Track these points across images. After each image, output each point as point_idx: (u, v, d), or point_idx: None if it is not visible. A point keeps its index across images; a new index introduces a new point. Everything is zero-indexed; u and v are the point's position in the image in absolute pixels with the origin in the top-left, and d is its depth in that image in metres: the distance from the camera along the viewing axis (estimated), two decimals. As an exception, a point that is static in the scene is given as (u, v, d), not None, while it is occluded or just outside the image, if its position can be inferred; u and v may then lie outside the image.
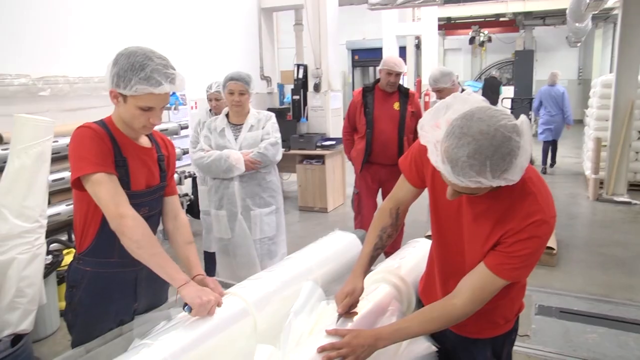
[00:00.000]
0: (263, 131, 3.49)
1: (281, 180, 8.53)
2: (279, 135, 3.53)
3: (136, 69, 1.78)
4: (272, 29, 8.37)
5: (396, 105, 4.54)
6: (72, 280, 2.04)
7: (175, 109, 5.76)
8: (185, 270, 2.05)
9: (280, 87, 8.79)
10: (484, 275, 1.56)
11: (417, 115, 4.54)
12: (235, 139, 3.46)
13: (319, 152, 7.15)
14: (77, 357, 1.79)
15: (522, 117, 1.40)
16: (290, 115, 7.99)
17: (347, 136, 4.81)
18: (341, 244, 2.27)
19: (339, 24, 7.82)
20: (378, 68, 4.64)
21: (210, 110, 4.36)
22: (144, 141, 2.06)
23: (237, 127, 3.49)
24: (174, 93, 5.88)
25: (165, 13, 5.89)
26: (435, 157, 1.42)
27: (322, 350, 1.56)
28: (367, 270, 1.86)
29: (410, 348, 1.83)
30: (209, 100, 4.31)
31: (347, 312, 1.75)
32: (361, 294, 1.79)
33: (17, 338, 2.95)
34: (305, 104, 7.79)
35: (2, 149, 3.61)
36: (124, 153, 1.92)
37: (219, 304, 1.71)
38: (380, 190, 4.80)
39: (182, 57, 5.86)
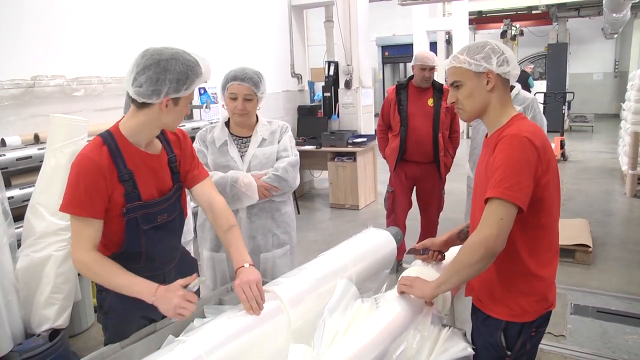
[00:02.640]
0: (279, 146, 2.75)
1: (312, 177, 8.60)
2: (297, 152, 2.82)
3: (192, 67, 1.79)
4: (303, 26, 8.37)
5: (430, 102, 4.45)
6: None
7: (207, 107, 5.79)
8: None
9: (311, 84, 8.79)
10: (487, 206, 1.66)
11: (452, 111, 4.45)
12: (242, 156, 2.69)
13: (350, 149, 7.12)
14: (112, 353, 1.80)
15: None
16: (322, 113, 7.99)
17: (382, 134, 4.74)
18: (375, 241, 2.24)
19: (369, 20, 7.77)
20: (411, 65, 4.54)
21: None
22: (154, 147, 1.99)
23: (242, 140, 2.73)
24: (205, 91, 5.94)
25: (196, 12, 5.93)
26: None
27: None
28: (453, 237, 2.10)
29: (446, 346, 1.80)
30: None
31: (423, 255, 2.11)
32: (439, 247, 2.09)
33: (54, 333, 3.02)
34: (336, 101, 7.77)
35: (39, 149, 3.68)
36: (130, 165, 1.86)
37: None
38: (415, 188, 4.74)
39: (213, 55, 5.89)
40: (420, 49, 8.44)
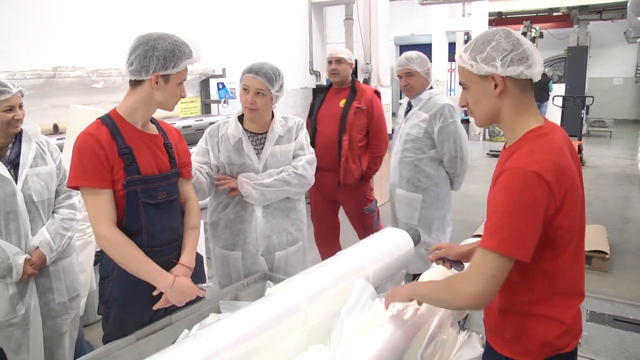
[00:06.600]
0: (295, 144, 2.67)
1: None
2: (313, 150, 2.76)
3: (179, 46, 1.90)
4: (322, 23, 8.34)
5: (342, 103, 4.06)
6: (104, 272, 2.06)
7: (225, 102, 5.78)
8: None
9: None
10: (481, 255, 1.43)
11: (368, 112, 4.07)
12: (257, 153, 2.59)
13: (365, 147, 7.04)
14: (127, 345, 1.81)
15: None
16: (338, 111, 7.94)
17: None
18: (393, 242, 2.22)
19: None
20: None
21: None
22: (151, 129, 2.08)
23: (257, 137, 2.61)
24: (224, 86, 5.92)
25: (216, 8, 5.93)
26: None
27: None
28: (469, 252, 1.86)
29: (463, 350, 1.78)
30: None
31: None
32: (453, 255, 1.88)
33: (69, 323, 3.03)
34: (354, 99, 7.71)
35: (58, 139, 3.70)
36: (128, 142, 1.95)
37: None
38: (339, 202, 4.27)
39: (232, 51, 5.92)
40: (438, 50, 8.39)
